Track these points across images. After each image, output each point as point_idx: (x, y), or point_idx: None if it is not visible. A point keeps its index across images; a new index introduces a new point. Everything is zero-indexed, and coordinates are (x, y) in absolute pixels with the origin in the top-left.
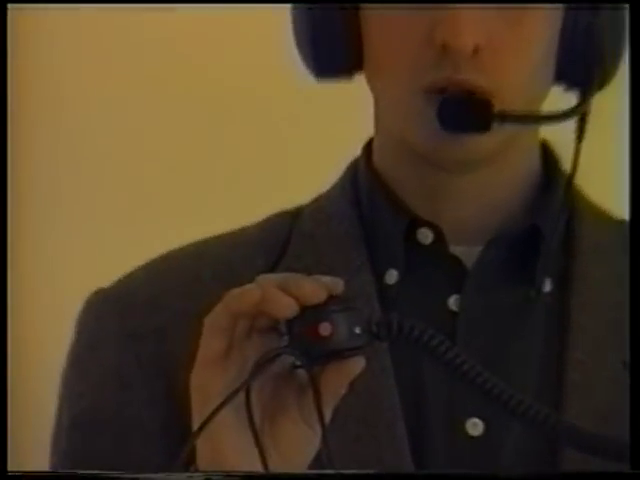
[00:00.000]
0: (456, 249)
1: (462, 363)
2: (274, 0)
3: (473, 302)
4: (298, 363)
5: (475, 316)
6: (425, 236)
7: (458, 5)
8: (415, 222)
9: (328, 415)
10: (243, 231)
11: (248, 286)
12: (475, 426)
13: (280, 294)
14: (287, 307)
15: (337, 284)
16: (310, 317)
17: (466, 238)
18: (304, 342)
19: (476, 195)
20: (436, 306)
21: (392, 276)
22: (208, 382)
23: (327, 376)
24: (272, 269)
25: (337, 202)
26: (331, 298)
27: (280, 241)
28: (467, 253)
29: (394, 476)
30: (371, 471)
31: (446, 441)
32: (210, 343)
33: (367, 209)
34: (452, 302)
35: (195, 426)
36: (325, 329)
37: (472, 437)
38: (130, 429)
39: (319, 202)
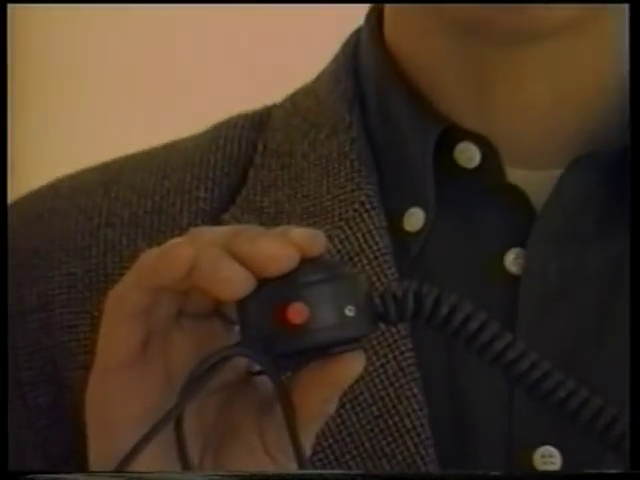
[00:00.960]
0: (516, 175)
1: (520, 360)
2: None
3: (544, 260)
4: (257, 368)
5: (548, 282)
6: (467, 155)
7: None
8: (451, 133)
9: (308, 443)
10: (176, 147)
11: (174, 243)
12: (549, 459)
13: (225, 260)
14: (236, 281)
15: (315, 240)
16: (273, 294)
17: (532, 158)
18: (265, 334)
19: (545, 85)
20: (484, 267)
21: (415, 219)
22: (112, 399)
23: (304, 385)
24: (224, 207)
25: (327, 101)
26: (306, 264)
27: (238, 162)
28: (534, 182)
29: (394, 476)
30: (373, 471)
31: None
32: (115, 336)
33: (375, 113)
34: (511, 260)
35: (94, 458)
36: (297, 312)
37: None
38: None
39: (297, 101)
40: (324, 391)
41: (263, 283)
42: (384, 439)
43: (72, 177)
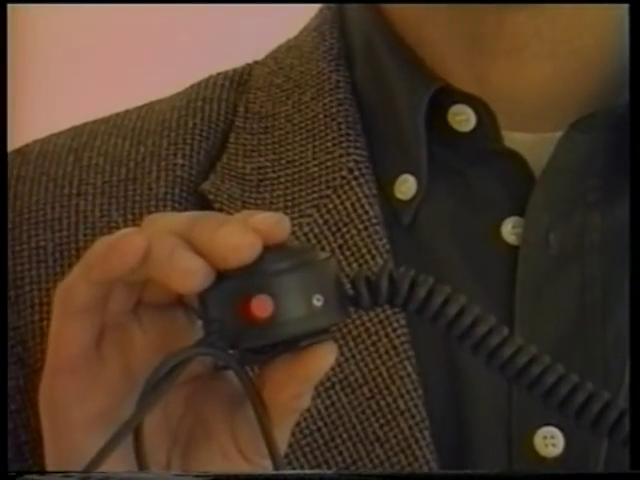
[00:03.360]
0: (514, 139)
1: (503, 345)
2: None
3: (544, 229)
4: (222, 363)
5: (548, 253)
6: (462, 118)
7: None
8: (445, 94)
9: (283, 441)
10: (151, 109)
11: (125, 232)
12: (550, 440)
13: (182, 249)
14: (194, 273)
15: (278, 225)
16: (236, 287)
17: (530, 120)
18: (229, 329)
19: (545, 44)
20: (481, 237)
21: (407, 186)
22: (66, 399)
23: (274, 381)
24: (203, 175)
25: (311, 59)
26: (270, 251)
27: (217, 125)
28: (532, 146)
29: (394, 476)
30: (374, 471)
31: (502, 466)
32: (64, 333)
33: (363, 73)
34: (508, 229)
35: (49, 460)
36: (261, 306)
37: (545, 459)
38: None
39: (280, 59)
40: (295, 387)
41: (224, 274)
42: (376, 421)
43: (40, 142)
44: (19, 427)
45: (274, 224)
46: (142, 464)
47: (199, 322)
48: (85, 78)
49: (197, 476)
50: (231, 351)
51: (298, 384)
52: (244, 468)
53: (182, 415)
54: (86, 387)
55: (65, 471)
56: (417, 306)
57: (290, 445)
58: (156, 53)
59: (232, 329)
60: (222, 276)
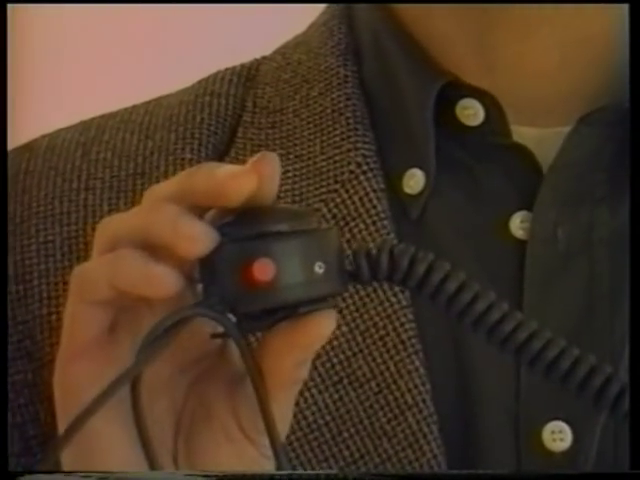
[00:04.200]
0: (522, 133)
1: (503, 320)
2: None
3: (552, 224)
4: (220, 330)
5: (556, 248)
6: (470, 112)
7: None
8: (453, 88)
9: (286, 415)
10: (159, 104)
11: (133, 212)
12: (558, 435)
13: (185, 217)
14: (198, 239)
15: (268, 160)
16: (239, 250)
17: (538, 115)
18: (229, 293)
19: (552, 38)
20: (489, 231)
21: (415, 180)
22: (80, 384)
23: (273, 349)
24: None
25: (319, 54)
26: (274, 214)
27: (225, 120)
28: (541, 140)
29: (394, 476)
30: (374, 471)
31: (510, 461)
32: (80, 319)
33: (371, 68)
34: (517, 224)
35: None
36: (263, 269)
37: (553, 453)
38: None
39: (288, 54)
40: (295, 354)
41: (227, 237)
42: (384, 416)
43: (49, 137)
44: (27, 421)
45: (265, 159)
46: (140, 424)
47: (199, 286)
48: (85, 78)
49: (206, 475)
50: (229, 315)
51: (298, 352)
52: (247, 448)
53: (186, 398)
54: (100, 372)
55: (66, 471)
56: (416, 282)
57: (297, 439)
58: (156, 53)
59: (232, 293)
60: (225, 239)
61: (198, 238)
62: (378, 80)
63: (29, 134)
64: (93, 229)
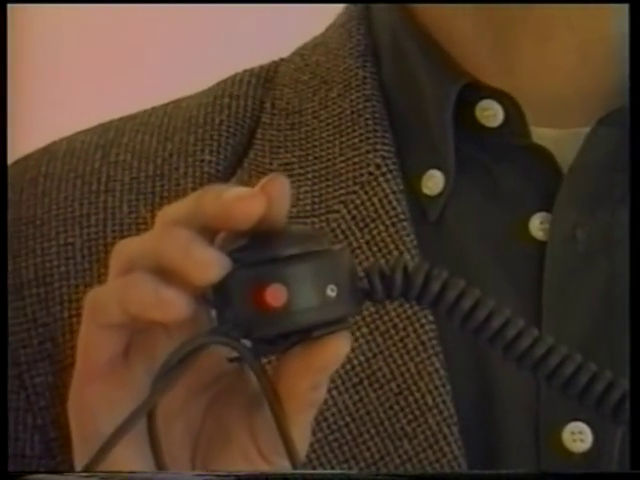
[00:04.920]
0: (541, 134)
1: (519, 337)
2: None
3: (572, 225)
4: (234, 355)
5: (576, 249)
6: (490, 113)
7: None
8: (473, 89)
9: (303, 440)
10: (178, 106)
11: (147, 236)
12: (578, 435)
13: (197, 243)
14: (210, 265)
15: (279, 183)
16: (251, 276)
17: (558, 116)
18: (243, 319)
19: (573, 38)
20: (508, 232)
21: (434, 181)
22: (94, 408)
23: (289, 373)
24: (230, 171)
25: (338, 56)
26: (285, 239)
27: (244, 122)
28: (560, 141)
29: (394, 476)
30: (373, 471)
31: (530, 462)
32: (94, 343)
33: (390, 69)
34: (536, 225)
35: (79, 468)
36: (275, 295)
37: (573, 454)
38: None
39: (306, 55)
40: (311, 378)
41: (239, 262)
42: (404, 417)
43: (68, 140)
44: (48, 424)
45: (276, 182)
46: (157, 454)
47: (213, 312)
48: (85, 78)
49: (219, 475)
50: (244, 341)
51: (313, 375)
52: (265, 470)
53: (203, 420)
54: (114, 395)
55: (68, 472)
56: (431, 300)
57: (318, 441)
58: (157, 53)
59: (246, 318)
60: (237, 264)
61: (210, 265)
62: (397, 81)
63: (29, 134)
64: (113, 231)
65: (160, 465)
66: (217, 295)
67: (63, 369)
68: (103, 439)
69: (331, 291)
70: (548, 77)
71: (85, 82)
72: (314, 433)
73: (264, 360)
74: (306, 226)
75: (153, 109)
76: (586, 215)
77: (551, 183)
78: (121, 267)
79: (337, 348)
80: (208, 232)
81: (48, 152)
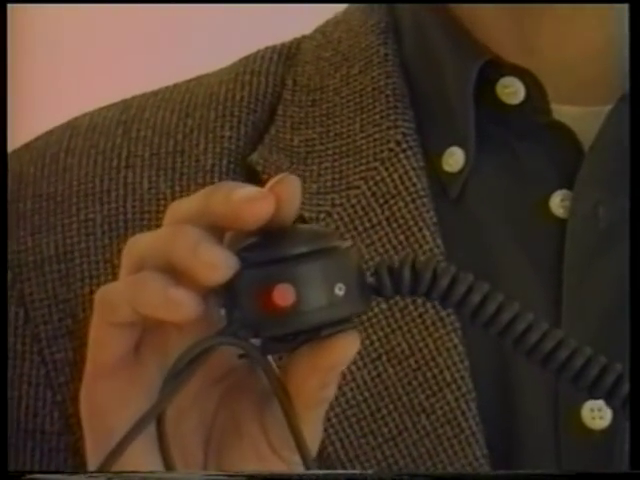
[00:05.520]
0: (563, 112)
1: (530, 330)
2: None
3: (593, 203)
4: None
5: (597, 227)
6: (511, 90)
7: None
8: (494, 66)
9: (315, 436)
10: (199, 83)
11: (158, 234)
12: (597, 413)
13: (206, 244)
14: (219, 266)
15: (291, 184)
16: (258, 276)
17: (579, 93)
18: (252, 319)
19: (595, 14)
20: (529, 210)
21: (455, 158)
22: (106, 405)
23: (298, 372)
24: (251, 147)
25: (359, 33)
26: (292, 238)
27: (265, 98)
28: (581, 119)
29: (395, 476)
30: (373, 471)
31: (549, 439)
32: (105, 341)
33: (411, 46)
34: (557, 203)
35: (91, 466)
36: (283, 295)
37: (592, 431)
38: None
39: (328, 32)
40: (320, 377)
41: (247, 261)
42: (422, 393)
43: (90, 115)
44: (67, 400)
45: (287, 183)
46: (166, 456)
47: (222, 311)
48: (85, 78)
49: (230, 475)
50: (253, 340)
51: (322, 374)
52: (277, 465)
53: (215, 414)
54: (125, 392)
55: (69, 472)
56: (440, 295)
57: (336, 415)
58: (157, 53)
59: (254, 318)
60: (244, 263)
61: (218, 265)
62: (418, 58)
63: (29, 134)
64: (133, 207)
65: (169, 468)
66: (225, 294)
67: (83, 345)
68: (115, 436)
69: (339, 290)
70: (571, 56)
71: (85, 82)
72: (332, 408)
73: (273, 357)
74: (313, 225)
75: (175, 85)
76: (607, 193)
77: (572, 161)
78: (132, 265)
79: (345, 347)
80: (217, 230)
81: (70, 127)
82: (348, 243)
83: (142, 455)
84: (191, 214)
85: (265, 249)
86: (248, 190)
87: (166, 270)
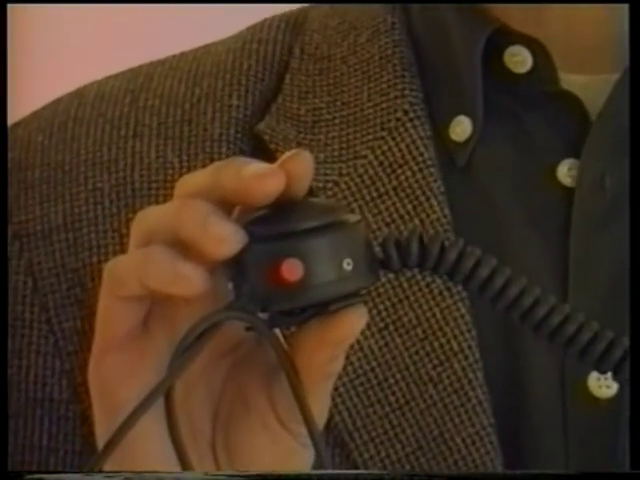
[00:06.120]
0: (570, 80)
1: (536, 305)
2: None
3: (600, 172)
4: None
5: (604, 196)
6: (518, 59)
7: None
8: (501, 35)
9: (322, 409)
10: (207, 51)
11: (167, 207)
12: (604, 382)
13: (215, 217)
14: (227, 240)
15: (302, 160)
16: (266, 250)
17: (587, 62)
18: (260, 293)
19: None
20: (536, 178)
21: (462, 127)
22: (114, 379)
23: (306, 346)
24: (259, 116)
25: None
26: (300, 212)
27: (273, 67)
28: (589, 88)
29: (395, 476)
30: (373, 471)
31: (556, 408)
32: (113, 315)
33: (419, 15)
34: (564, 171)
35: (99, 439)
36: (291, 269)
37: (599, 400)
38: None
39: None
40: (327, 351)
41: (255, 236)
42: (429, 362)
43: (98, 84)
44: (75, 368)
45: (298, 159)
46: (174, 430)
47: (230, 285)
48: (85, 78)
49: (247, 476)
50: (261, 314)
51: (330, 349)
52: (285, 438)
53: (223, 387)
54: (134, 366)
55: (69, 471)
56: (448, 269)
57: (343, 385)
58: (157, 53)
59: (262, 292)
60: (252, 237)
61: (226, 239)
62: (426, 27)
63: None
64: (141, 176)
65: (178, 444)
66: (234, 269)
67: (92, 314)
68: (123, 409)
69: (347, 265)
70: (578, 25)
71: (85, 82)
72: (340, 377)
73: (281, 330)
74: (322, 198)
75: (182, 54)
76: (614, 162)
77: (580, 130)
78: (141, 238)
79: (353, 322)
80: (226, 205)
81: (78, 96)
82: (357, 217)
83: (150, 429)
84: (201, 188)
85: (274, 223)
86: (259, 166)
87: (175, 244)
